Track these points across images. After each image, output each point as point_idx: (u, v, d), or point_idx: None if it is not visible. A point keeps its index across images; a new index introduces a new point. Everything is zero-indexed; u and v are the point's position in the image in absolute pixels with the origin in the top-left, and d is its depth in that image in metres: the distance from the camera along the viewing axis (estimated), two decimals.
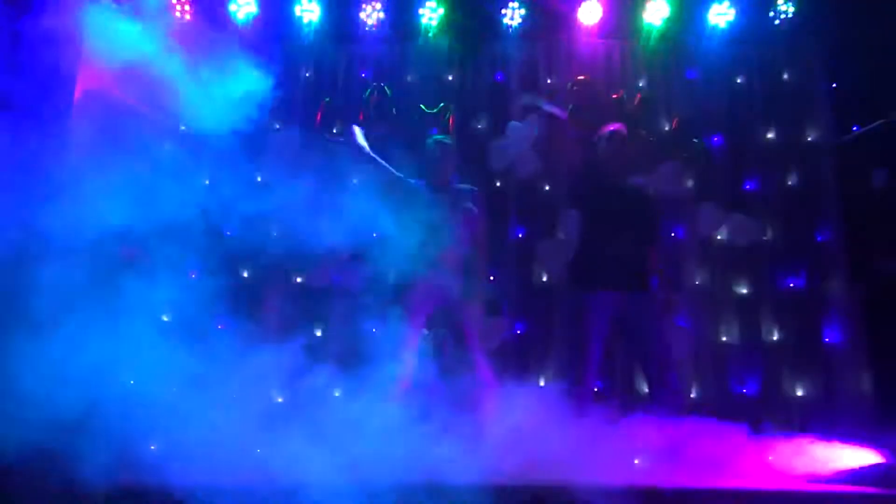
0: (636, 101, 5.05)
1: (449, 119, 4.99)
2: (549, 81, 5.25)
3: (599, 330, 3.90)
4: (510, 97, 5.18)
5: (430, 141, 4.17)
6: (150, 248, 3.32)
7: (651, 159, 4.58)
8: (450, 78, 5.27)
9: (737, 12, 5.02)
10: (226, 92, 3.58)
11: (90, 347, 2.80)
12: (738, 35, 5.11)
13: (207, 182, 4.02)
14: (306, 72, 5.29)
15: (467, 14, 5.19)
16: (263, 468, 2.76)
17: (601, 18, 5.10)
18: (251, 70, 3.71)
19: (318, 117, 5.07)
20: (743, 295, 4.92)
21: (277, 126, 5.01)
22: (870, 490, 2.98)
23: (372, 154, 4.12)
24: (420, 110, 5.08)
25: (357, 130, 4.19)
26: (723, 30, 5.08)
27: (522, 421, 3.24)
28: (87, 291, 2.89)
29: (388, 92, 5.07)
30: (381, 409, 3.19)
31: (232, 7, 5.06)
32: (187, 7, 4.99)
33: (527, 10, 5.12)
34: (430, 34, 5.21)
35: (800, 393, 4.68)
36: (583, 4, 5.07)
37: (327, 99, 5.14)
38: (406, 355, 3.75)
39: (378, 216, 3.75)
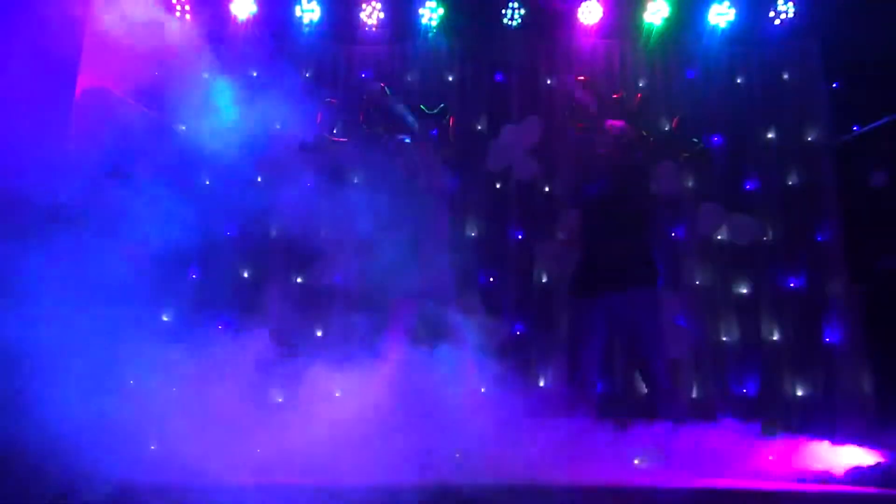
0: (636, 101, 5.04)
1: (449, 119, 4.98)
2: (549, 82, 5.25)
3: (599, 330, 3.90)
4: (510, 97, 5.19)
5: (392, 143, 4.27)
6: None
7: (651, 159, 4.58)
8: (450, 78, 5.27)
9: (737, 12, 5.03)
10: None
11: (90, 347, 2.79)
12: (738, 35, 5.12)
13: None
14: (306, 72, 5.30)
15: (467, 14, 5.20)
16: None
17: (601, 18, 5.11)
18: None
19: (319, 117, 5.06)
20: (743, 295, 4.92)
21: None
22: (870, 490, 2.97)
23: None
24: (420, 110, 5.08)
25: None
26: (723, 30, 5.09)
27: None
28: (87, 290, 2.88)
29: (388, 92, 5.06)
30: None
31: (232, 7, 5.06)
32: (187, 7, 4.99)
33: (527, 10, 5.12)
34: (430, 34, 5.21)
35: (800, 393, 4.68)
36: (583, 4, 5.08)
37: (328, 99, 5.14)
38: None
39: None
